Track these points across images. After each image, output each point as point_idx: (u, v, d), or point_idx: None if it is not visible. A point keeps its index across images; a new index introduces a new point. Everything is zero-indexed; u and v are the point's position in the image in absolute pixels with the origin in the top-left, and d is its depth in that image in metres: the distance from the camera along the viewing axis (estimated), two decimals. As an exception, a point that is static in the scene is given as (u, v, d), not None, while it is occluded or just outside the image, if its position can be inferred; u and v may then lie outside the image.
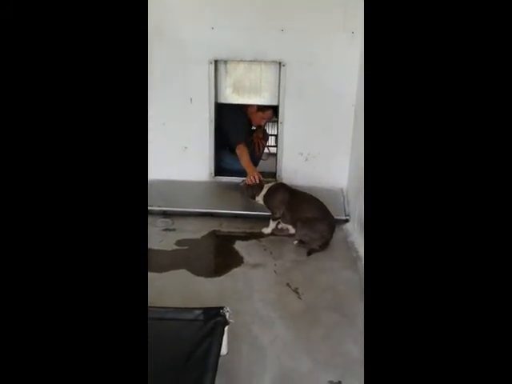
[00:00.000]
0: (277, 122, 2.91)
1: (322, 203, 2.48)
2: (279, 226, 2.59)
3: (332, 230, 2.45)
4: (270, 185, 2.60)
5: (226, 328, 1.47)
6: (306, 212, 2.43)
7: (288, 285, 2.05)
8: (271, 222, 2.57)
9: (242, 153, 2.88)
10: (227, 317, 1.49)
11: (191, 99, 2.80)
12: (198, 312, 1.52)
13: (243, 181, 2.71)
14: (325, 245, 2.40)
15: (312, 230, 2.38)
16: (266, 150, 3.23)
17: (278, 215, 2.53)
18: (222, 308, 1.50)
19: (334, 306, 1.89)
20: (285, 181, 2.77)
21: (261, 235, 2.55)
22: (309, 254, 2.35)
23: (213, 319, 1.48)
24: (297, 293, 1.99)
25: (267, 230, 2.58)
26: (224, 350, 1.47)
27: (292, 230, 2.52)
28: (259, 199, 2.59)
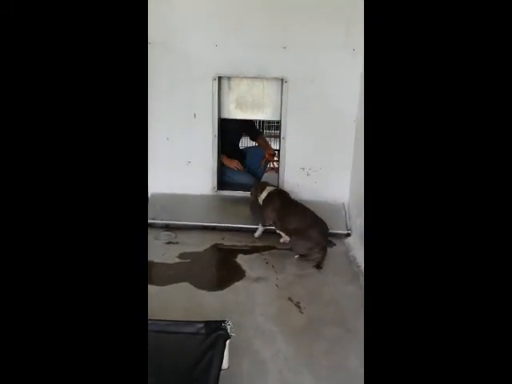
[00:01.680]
0: (279, 137, 2.95)
1: (313, 213, 2.51)
2: (281, 240, 2.61)
3: (326, 236, 2.46)
4: (270, 189, 2.67)
5: (228, 342, 1.47)
6: (294, 222, 2.47)
7: (290, 299, 2.05)
8: (260, 226, 2.67)
9: (225, 160, 3.11)
10: (229, 330, 1.49)
11: (195, 114, 2.84)
12: (199, 325, 1.52)
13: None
14: (323, 250, 2.41)
15: (305, 239, 2.41)
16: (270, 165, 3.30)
17: (266, 223, 2.63)
18: (223, 321, 1.51)
19: (337, 321, 1.89)
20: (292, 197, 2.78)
21: (263, 249, 2.56)
22: (318, 267, 2.36)
23: (214, 333, 1.48)
24: (298, 307, 1.99)
25: (256, 234, 2.68)
26: (225, 364, 1.46)
27: (284, 237, 2.58)
28: (260, 201, 2.67)
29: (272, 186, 2.75)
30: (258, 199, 2.70)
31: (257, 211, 2.72)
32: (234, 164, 3.15)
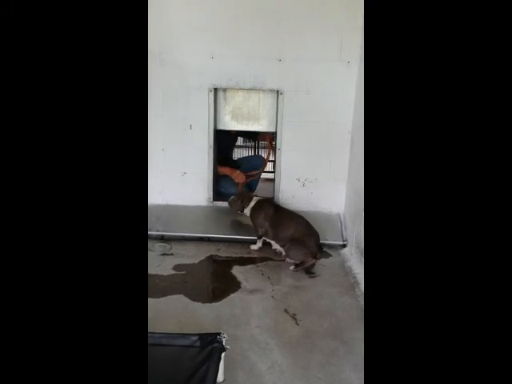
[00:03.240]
0: (275, 148, 2.96)
1: (305, 220, 2.53)
2: (277, 251, 2.60)
3: (318, 243, 2.50)
4: (258, 198, 2.68)
5: (223, 354, 1.46)
6: (290, 229, 2.48)
7: (286, 310, 2.04)
8: (258, 241, 2.65)
9: (221, 169, 3.08)
10: (224, 343, 1.47)
11: (191, 126, 2.85)
12: (194, 338, 1.50)
13: (232, 197, 2.77)
14: (315, 258, 2.43)
15: (301, 246, 2.41)
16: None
17: (260, 233, 2.60)
18: (218, 334, 1.49)
19: (333, 333, 1.87)
20: (282, 205, 2.79)
21: (259, 260, 2.55)
22: (310, 274, 2.37)
23: (209, 345, 1.47)
24: (294, 319, 1.98)
25: (254, 247, 2.65)
26: (220, 377, 1.45)
27: (275, 246, 2.56)
28: (247, 211, 2.65)
29: (257, 196, 2.75)
30: (243, 211, 2.67)
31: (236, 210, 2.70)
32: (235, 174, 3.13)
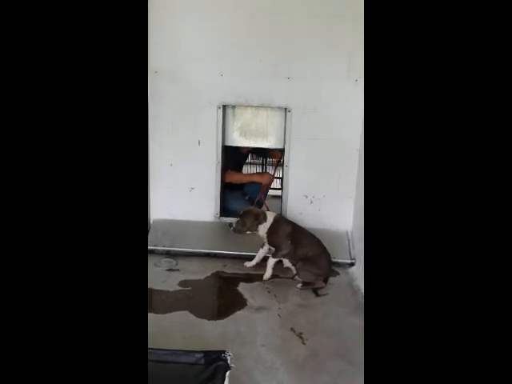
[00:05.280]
0: (282, 165, 2.96)
1: (316, 238, 2.49)
2: (285, 265, 2.55)
3: (330, 264, 2.46)
4: (274, 214, 2.54)
5: (228, 373, 1.42)
6: (306, 247, 2.42)
7: (292, 329, 2.00)
8: (271, 261, 2.45)
9: (233, 174, 3.09)
10: (229, 361, 1.44)
11: (199, 141, 2.88)
12: (198, 355, 1.47)
13: (231, 223, 2.54)
14: (326, 280, 2.40)
15: (314, 267, 2.38)
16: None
17: (286, 251, 2.42)
18: (223, 352, 1.46)
19: (340, 353, 1.83)
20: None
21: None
22: (317, 294, 2.33)
23: (214, 363, 1.44)
24: (301, 338, 1.94)
25: (266, 275, 2.47)
26: (224, 397, 1.41)
27: (287, 264, 2.48)
28: (261, 230, 2.46)
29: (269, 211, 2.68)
30: (255, 229, 2.46)
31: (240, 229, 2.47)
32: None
